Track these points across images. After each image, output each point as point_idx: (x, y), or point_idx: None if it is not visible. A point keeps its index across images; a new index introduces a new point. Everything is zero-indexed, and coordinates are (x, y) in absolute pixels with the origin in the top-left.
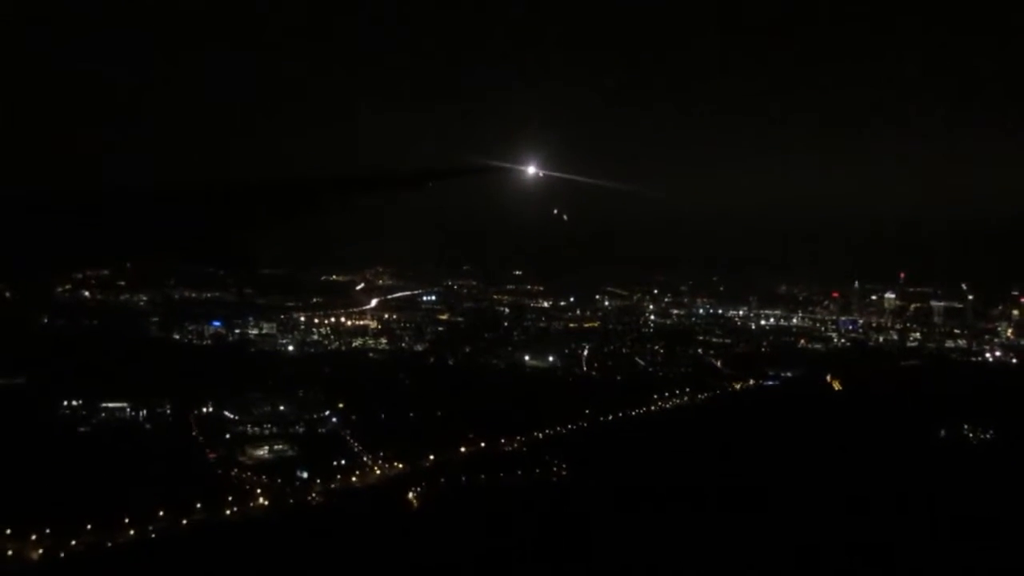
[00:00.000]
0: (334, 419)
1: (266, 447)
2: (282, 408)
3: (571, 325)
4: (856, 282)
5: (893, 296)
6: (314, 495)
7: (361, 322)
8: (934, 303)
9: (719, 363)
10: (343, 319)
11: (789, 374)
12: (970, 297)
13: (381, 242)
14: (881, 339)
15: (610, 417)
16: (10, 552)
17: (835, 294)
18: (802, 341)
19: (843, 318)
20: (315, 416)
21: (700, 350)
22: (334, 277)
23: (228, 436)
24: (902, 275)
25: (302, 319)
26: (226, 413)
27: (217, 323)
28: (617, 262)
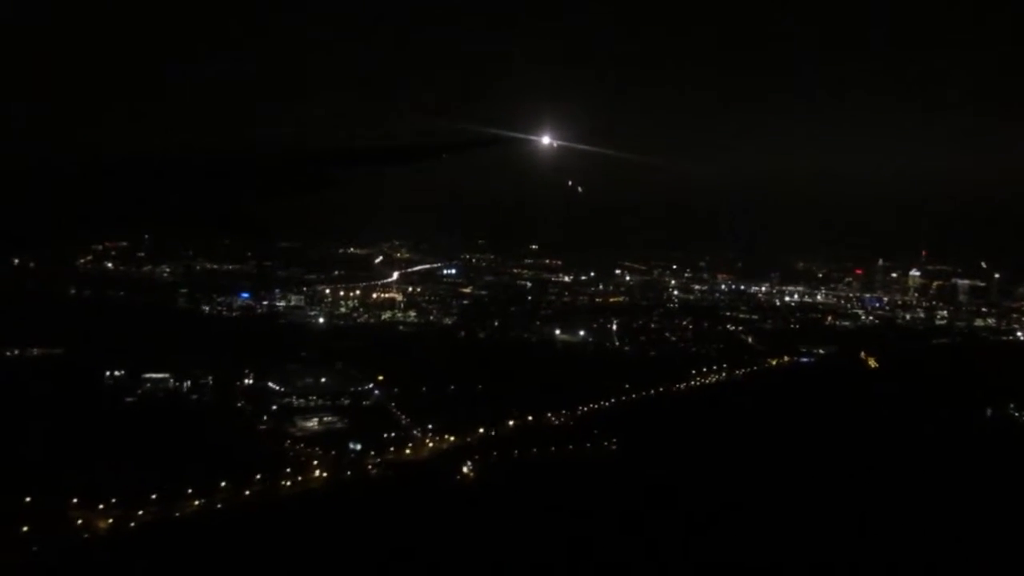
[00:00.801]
0: (376, 392)
1: (315, 419)
2: (324, 380)
3: (596, 300)
4: (880, 259)
5: (918, 274)
6: (371, 467)
7: (386, 295)
8: (957, 281)
9: (750, 339)
10: (368, 292)
11: (822, 351)
12: (996, 275)
13: (394, 215)
14: (908, 317)
15: (652, 392)
16: (79, 521)
17: (858, 271)
18: (829, 318)
19: (868, 295)
20: (358, 388)
21: (729, 326)
22: (352, 250)
23: (275, 408)
24: (924, 253)
25: (327, 292)
26: (270, 385)
27: (245, 295)
28: (632, 237)
